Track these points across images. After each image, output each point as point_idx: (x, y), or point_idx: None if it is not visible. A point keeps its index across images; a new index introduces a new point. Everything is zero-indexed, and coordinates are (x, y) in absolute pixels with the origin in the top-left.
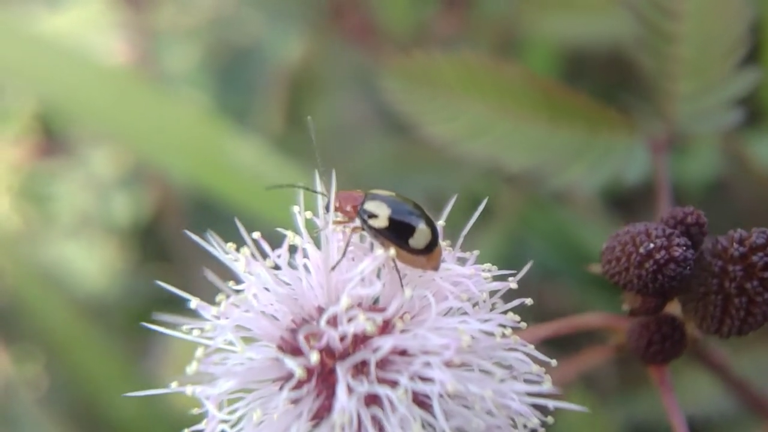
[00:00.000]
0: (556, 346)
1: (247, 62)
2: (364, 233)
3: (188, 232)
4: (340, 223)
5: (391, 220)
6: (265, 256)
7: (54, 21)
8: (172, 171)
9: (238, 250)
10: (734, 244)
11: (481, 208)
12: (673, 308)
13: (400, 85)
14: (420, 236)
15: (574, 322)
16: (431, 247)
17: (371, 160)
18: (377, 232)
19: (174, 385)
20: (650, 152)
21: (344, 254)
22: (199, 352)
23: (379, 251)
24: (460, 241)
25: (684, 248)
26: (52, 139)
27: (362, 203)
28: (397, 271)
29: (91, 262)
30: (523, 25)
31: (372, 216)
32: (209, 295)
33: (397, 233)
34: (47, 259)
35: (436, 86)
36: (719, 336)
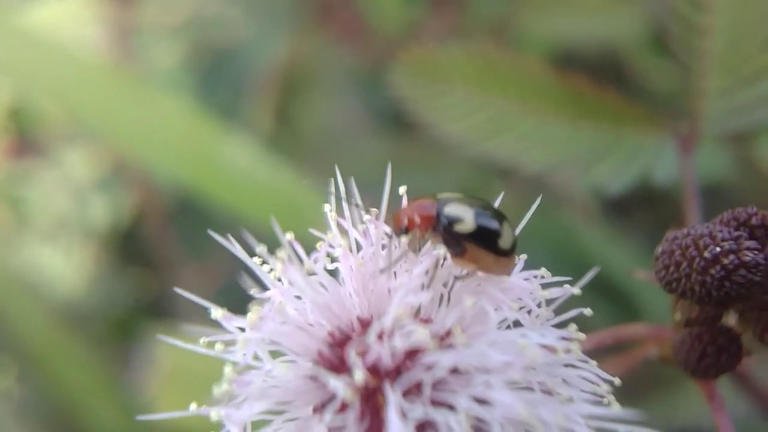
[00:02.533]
0: None
1: (230, 62)
2: (428, 242)
3: (213, 233)
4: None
5: (478, 222)
6: (299, 261)
7: (35, 14)
8: (157, 169)
9: (270, 254)
10: None
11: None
12: (725, 317)
13: (411, 79)
14: (507, 236)
15: (618, 333)
16: (514, 247)
17: (363, 160)
18: (461, 238)
19: (194, 407)
20: (678, 151)
21: (394, 258)
22: (228, 369)
23: (437, 252)
24: None
25: (755, 252)
26: (26, 139)
27: (440, 209)
28: (451, 276)
29: (68, 268)
30: (515, 25)
31: (457, 221)
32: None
33: (486, 236)
34: (22, 265)
35: (451, 81)
36: None
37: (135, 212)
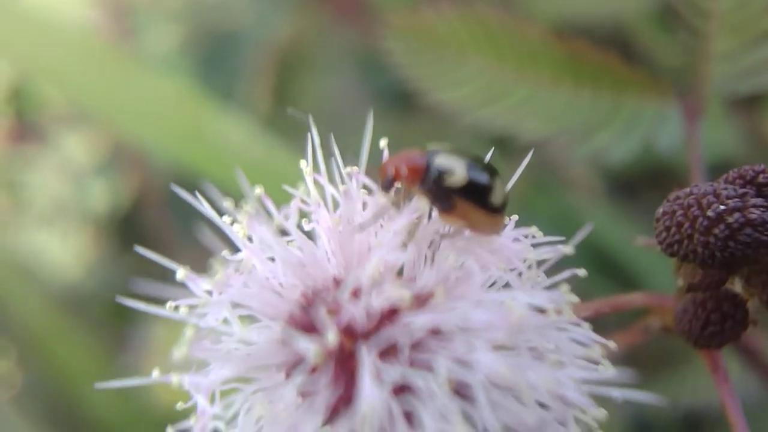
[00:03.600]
0: None
1: (231, 45)
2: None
3: (176, 187)
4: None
5: (470, 176)
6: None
7: None
8: (153, 149)
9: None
10: None
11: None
12: (730, 283)
13: (405, 45)
14: (498, 192)
15: (616, 302)
16: (506, 204)
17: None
18: (451, 193)
19: (156, 374)
20: (683, 118)
21: (374, 215)
22: (189, 332)
23: (419, 205)
24: None
25: (762, 210)
26: (25, 123)
27: (429, 161)
28: (436, 234)
29: (66, 252)
30: (520, 1)
31: (447, 173)
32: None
33: (477, 190)
34: (20, 249)
35: (446, 46)
36: None
37: (133, 196)
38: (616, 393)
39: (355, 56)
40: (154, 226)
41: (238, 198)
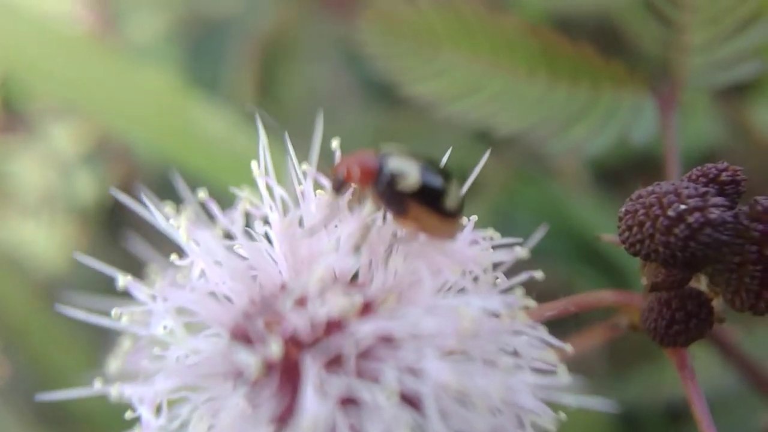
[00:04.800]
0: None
1: (218, 34)
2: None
3: (115, 191)
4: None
5: (423, 180)
6: (214, 221)
7: None
8: (138, 143)
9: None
10: None
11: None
12: (695, 283)
13: (380, 37)
14: (453, 195)
15: (583, 300)
16: (461, 208)
17: (351, 132)
18: (404, 197)
19: (98, 385)
20: (659, 110)
21: (324, 219)
22: (126, 343)
23: (372, 208)
24: None
25: (722, 209)
26: (10, 114)
27: (382, 163)
28: (390, 238)
29: (52, 243)
30: None
31: (400, 177)
32: None
33: (431, 194)
34: (5, 240)
35: (421, 39)
36: (755, 312)
37: (119, 187)
38: (570, 399)
39: (341, 46)
40: (140, 217)
41: (221, 190)
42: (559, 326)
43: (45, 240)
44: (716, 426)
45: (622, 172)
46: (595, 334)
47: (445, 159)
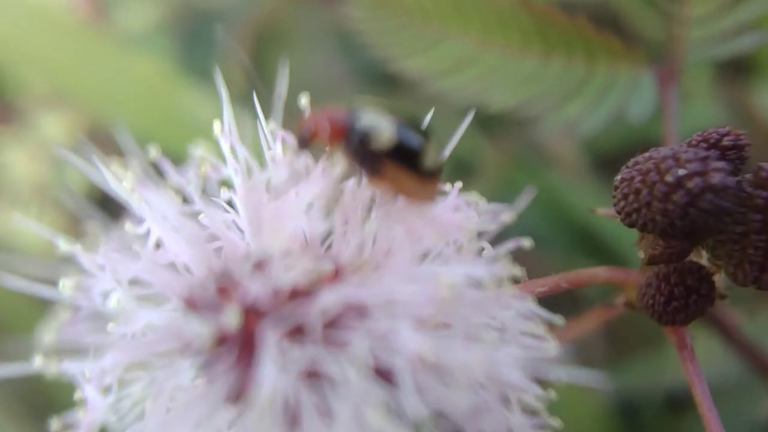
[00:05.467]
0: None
1: (212, 22)
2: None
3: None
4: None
5: (399, 136)
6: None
7: None
8: (129, 130)
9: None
10: None
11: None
12: (696, 257)
13: (368, 12)
14: (432, 154)
15: (576, 277)
16: (440, 168)
17: None
18: (378, 155)
19: (39, 361)
20: (657, 85)
21: (288, 180)
22: (63, 313)
23: (337, 170)
24: None
25: (724, 174)
26: (2, 104)
27: (354, 119)
28: (366, 201)
29: (42, 235)
30: None
31: (373, 134)
32: None
33: (407, 153)
34: None
35: (410, 13)
36: (759, 287)
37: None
38: (560, 373)
39: (335, 34)
40: (130, 208)
41: None
42: (553, 310)
43: (35, 231)
44: (718, 412)
45: (621, 158)
46: (591, 317)
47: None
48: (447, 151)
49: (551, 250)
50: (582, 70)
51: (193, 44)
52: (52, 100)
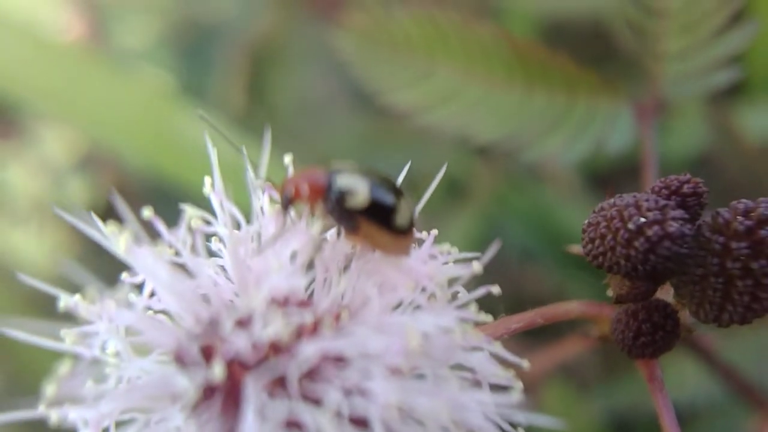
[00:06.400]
0: (534, 332)
1: (210, 40)
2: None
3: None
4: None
5: (373, 196)
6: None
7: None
8: (125, 152)
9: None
10: (738, 216)
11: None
12: (665, 294)
13: (354, 45)
14: (404, 212)
15: (551, 312)
16: (413, 224)
17: (339, 138)
18: (354, 213)
19: (42, 408)
20: (635, 118)
21: (271, 238)
22: (64, 366)
23: (316, 227)
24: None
25: (681, 222)
26: (1, 122)
27: (331, 180)
28: (344, 256)
29: (41, 251)
30: None
31: (349, 194)
32: None
33: (381, 211)
34: None
35: (396, 47)
36: (718, 324)
37: (108, 195)
38: (521, 417)
39: (330, 53)
40: (131, 224)
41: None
42: (535, 331)
43: (35, 248)
44: None
45: (613, 176)
46: (569, 345)
47: (404, 173)
48: (419, 208)
49: (545, 267)
50: (563, 104)
51: (190, 61)
52: (51, 118)
